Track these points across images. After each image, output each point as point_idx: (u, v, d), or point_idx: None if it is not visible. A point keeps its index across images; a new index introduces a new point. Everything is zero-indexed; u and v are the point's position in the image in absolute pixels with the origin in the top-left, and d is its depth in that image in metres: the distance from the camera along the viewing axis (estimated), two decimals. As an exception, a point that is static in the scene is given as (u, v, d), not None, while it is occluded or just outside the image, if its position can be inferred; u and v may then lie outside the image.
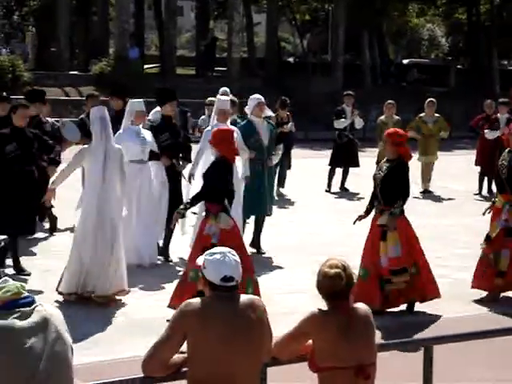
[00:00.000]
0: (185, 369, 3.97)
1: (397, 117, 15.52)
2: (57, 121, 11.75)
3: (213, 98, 14.00)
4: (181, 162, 10.15)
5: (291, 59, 46.27)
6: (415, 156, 13.20)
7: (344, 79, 30.39)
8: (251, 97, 10.74)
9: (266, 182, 10.58)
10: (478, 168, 15.73)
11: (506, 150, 8.62)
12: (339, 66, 31.09)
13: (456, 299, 8.50)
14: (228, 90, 14.30)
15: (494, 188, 11.53)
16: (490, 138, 15.04)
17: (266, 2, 36.38)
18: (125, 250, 8.28)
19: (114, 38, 30.11)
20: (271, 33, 33.75)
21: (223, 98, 10.49)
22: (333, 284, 4.06)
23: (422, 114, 15.84)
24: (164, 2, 32.91)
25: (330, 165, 15.68)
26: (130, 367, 5.01)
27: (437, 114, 15.75)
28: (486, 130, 15.24)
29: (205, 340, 3.88)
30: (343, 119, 15.46)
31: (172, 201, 9.70)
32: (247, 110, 10.76)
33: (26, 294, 3.66)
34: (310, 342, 4.13)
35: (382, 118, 15.55)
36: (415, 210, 11.42)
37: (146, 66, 31.56)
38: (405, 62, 46.88)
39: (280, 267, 9.91)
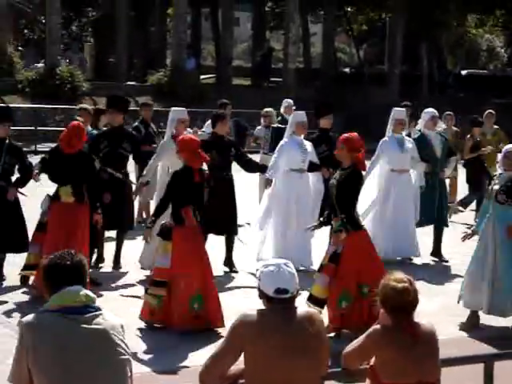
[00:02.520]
0: (241, 381, 3.93)
1: (455, 128, 15.29)
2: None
3: (269, 109, 14.07)
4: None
5: (347, 70, 46.12)
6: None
7: (401, 90, 30.13)
8: (425, 110, 11.13)
9: (442, 193, 10.97)
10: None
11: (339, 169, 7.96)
12: (396, 76, 30.85)
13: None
14: (291, 101, 14.39)
15: None
16: None
17: (323, 13, 36.32)
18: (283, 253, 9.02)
19: (171, 49, 30.35)
20: (327, 43, 33.68)
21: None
22: (401, 299, 3.97)
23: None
24: (221, 13, 33.09)
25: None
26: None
27: (496, 126, 15.47)
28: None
29: (262, 352, 3.83)
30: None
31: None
32: (419, 122, 11.21)
33: (92, 302, 3.67)
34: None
35: (440, 129, 15.32)
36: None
37: (202, 77, 31.75)
38: (463, 72, 46.37)
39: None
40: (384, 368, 3.99)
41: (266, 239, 10.03)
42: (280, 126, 13.31)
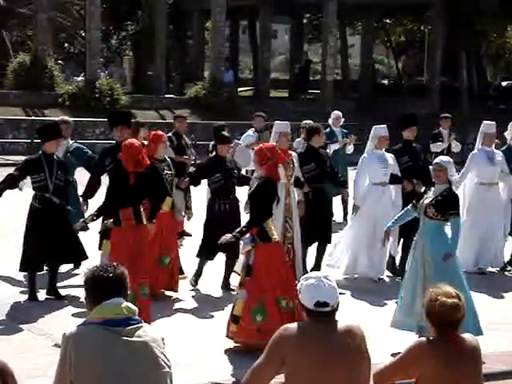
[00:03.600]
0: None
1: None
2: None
3: (308, 121, 14.08)
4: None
5: (386, 81, 45.92)
6: None
7: (440, 101, 29.91)
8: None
9: None
10: None
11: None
12: (436, 87, 30.64)
13: None
14: (340, 113, 14.50)
15: None
16: None
17: (361, 24, 36.24)
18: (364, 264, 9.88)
19: (210, 62, 30.49)
20: (366, 55, 33.58)
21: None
22: (451, 314, 3.91)
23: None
24: (258, 26, 33.18)
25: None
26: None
27: None
28: None
29: (302, 365, 3.80)
30: (440, 142, 15.13)
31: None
32: (507, 135, 11.43)
33: (134, 315, 3.67)
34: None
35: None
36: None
37: (240, 89, 31.85)
38: (503, 83, 45.90)
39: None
40: (426, 382, 3.93)
41: (357, 255, 10.25)
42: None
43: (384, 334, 7.64)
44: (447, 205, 7.50)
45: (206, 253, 9.39)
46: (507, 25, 38.82)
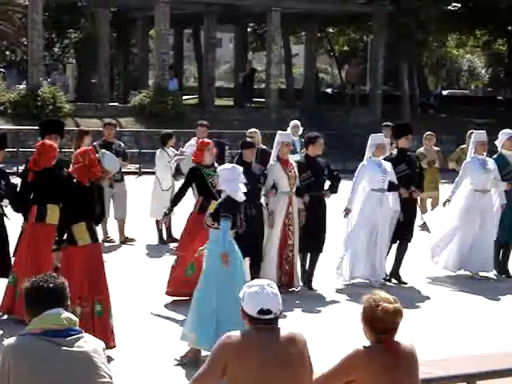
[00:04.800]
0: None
1: (436, 148, 15.36)
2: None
3: (254, 130, 14.11)
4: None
5: (329, 90, 46.31)
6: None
7: (383, 110, 30.29)
8: (502, 131, 11.51)
9: None
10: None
11: None
12: (378, 96, 31.02)
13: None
14: (298, 122, 14.62)
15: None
16: None
17: (305, 34, 36.51)
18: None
19: (154, 70, 30.38)
20: (309, 64, 33.84)
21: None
22: (393, 320, 3.96)
23: (463, 146, 15.61)
24: (203, 34, 33.18)
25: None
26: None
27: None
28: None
29: (244, 373, 3.82)
30: (382, 151, 15.30)
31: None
32: (498, 143, 11.44)
33: (74, 325, 3.63)
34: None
35: (421, 149, 15.38)
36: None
37: (184, 97, 31.77)
38: (444, 92, 46.67)
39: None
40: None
41: (355, 258, 10.49)
42: (264, 148, 13.37)
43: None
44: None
45: None
46: (447, 35, 39.54)
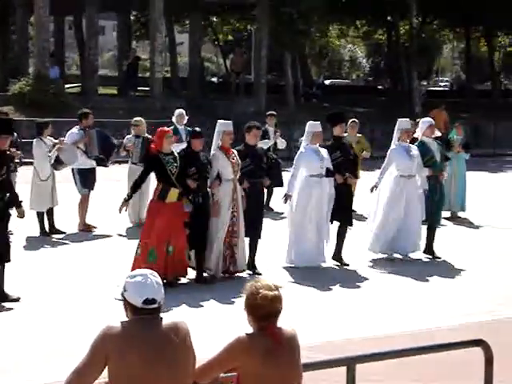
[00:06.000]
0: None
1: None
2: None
3: (138, 118, 14.01)
4: None
5: (215, 79, 46.38)
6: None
7: (267, 99, 30.56)
8: (423, 120, 12.32)
9: (442, 194, 12.11)
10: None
11: None
12: (262, 86, 31.26)
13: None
14: (183, 111, 14.54)
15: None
16: None
17: (189, 22, 36.38)
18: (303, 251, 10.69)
19: (34, 57, 29.60)
20: (194, 53, 33.76)
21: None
22: (272, 306, 4.00)
23: (344, 134, 15.96)
24: (85, 22, 32.56)
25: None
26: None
27: (359, 134, 15.88)
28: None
29: (126, 364, 3.78)
30: (266, 140, 15.46)
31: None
32: (418, 131, 12.19)
33: None
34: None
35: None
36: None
37: (67, 86, 31.13)
38: (327, 82, 47.54)
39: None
40: (247, 376, 4.01)
41: (292, 246, 10.95)
42: (149, 137, 13.28)
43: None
44: None
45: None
46: (329, 25, 40.24)
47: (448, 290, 9.96)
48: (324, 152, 10.96)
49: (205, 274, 10.01)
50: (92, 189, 13.21)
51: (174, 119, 14.66)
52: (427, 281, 10.44)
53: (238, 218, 10.16)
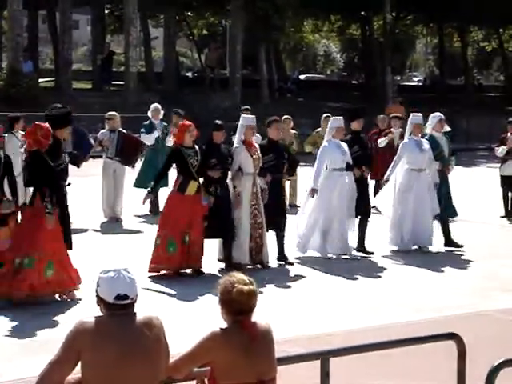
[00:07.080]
0: (79, 390, 3.84)
1: (293, 131, 15.66)
2: None
3: (113, 113, 13.93)
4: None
5: (190, 74, 46.29)
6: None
7: (242, 94, 30.57)
8: (433, 114, 12.24)
9: (449, 188, 12.24)
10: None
11: None
12: (237, 80, 31.27)
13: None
14: (159, 105, 14.50)
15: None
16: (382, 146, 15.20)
17: (164, 17, 36.26)
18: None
19: (7, 52, 29.39)
20: (169, 47, 33.68)
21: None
22: (248, 301, 4.01)
23: (318, 129, 16.00)
24: (59, 16, 32.35)
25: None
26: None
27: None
28: (379, 140, 15.37)
29: (99, 360, 3.77)
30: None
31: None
32: (428, 125, 12.12)
33: None
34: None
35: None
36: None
37: (40, 80, 30.94)
38: (301, 77, 47.60)
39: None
40: (221, 370, 4.02)
41: (312, 232, 11.11)
42: (124, 131, 13.21)
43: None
44: None
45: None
46: (304, 20, 40.29)
47: (420, 285, 10.02)
48: (345, 146, 11.18)
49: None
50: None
51: (149, 114, 14.60)
52: (407, 275, 10.53)
53: (260, 211, 10.30)
